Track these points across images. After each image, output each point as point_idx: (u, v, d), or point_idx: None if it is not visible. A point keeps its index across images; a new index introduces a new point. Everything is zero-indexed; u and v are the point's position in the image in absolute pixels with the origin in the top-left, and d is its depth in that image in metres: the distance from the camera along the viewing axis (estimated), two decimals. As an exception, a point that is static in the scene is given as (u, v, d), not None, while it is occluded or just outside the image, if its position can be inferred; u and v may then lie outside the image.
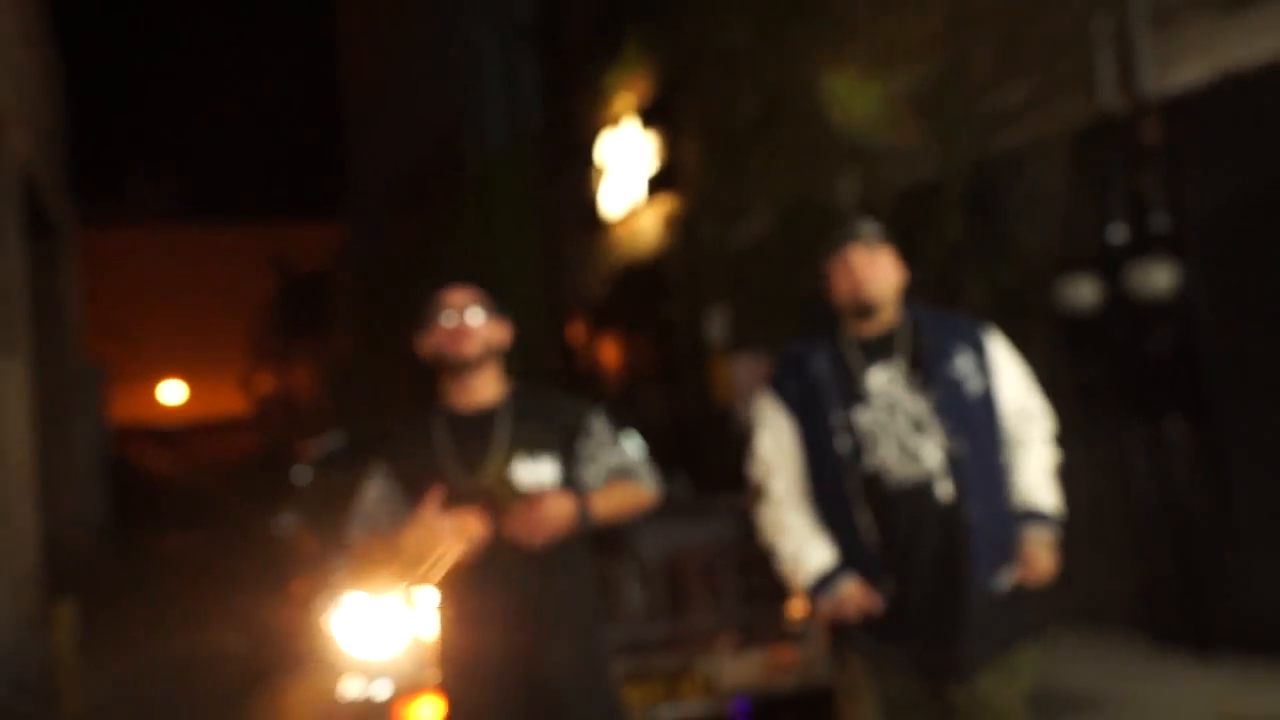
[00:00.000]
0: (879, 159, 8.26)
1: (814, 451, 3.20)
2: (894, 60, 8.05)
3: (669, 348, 11.51)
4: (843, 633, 3.20)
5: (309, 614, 4.55)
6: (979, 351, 3.20)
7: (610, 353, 13.28)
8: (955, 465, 3.07)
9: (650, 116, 11.75)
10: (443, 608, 3.03)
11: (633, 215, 12.22)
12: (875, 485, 3.10)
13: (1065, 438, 6.61)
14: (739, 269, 10.13)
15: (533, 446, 3.00)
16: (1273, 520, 5.78)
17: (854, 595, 3.10)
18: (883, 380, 3.16)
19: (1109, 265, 6.32)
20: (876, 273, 3.15)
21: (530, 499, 2.88)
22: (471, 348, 3.02)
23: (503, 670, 2.91)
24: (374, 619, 4.31)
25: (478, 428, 3.02)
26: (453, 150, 18.73)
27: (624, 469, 3.11)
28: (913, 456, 3.09)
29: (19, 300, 9.27)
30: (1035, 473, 3.20)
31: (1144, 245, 6.17)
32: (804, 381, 3.22)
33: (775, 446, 3.27)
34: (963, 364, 3.16)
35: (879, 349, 3.18)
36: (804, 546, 3.18)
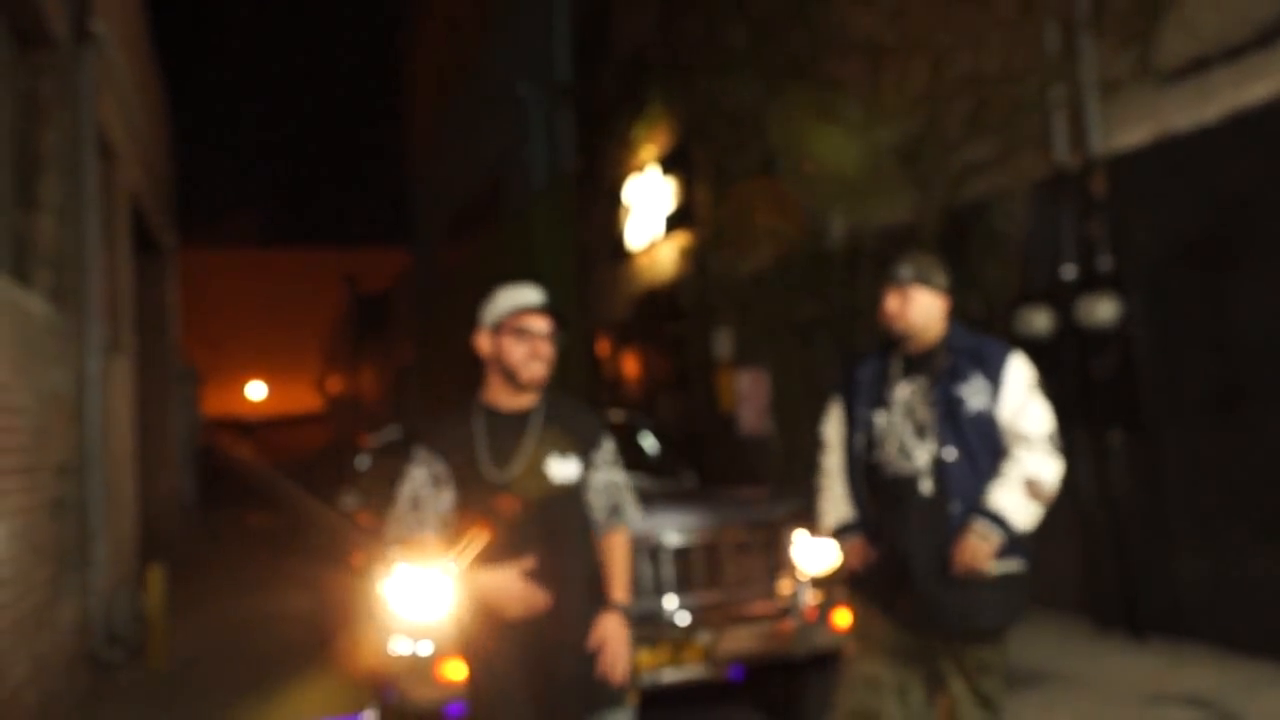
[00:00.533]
0: (864, 202, 8.28)
1: (849, 435, 3.46)
2: (879, 118, 8.09)
3: (682, 361, 11.53)
4: (855, 584, 3.48)
5: (365, 581, 4.55)
6: (994, 375, 3.25)
7: (632, 364, 13.30)
8: (940, 468, 3.21)
9: (669, 164, 11.79)
10: (469, 579, 2.91)
11: (653, 248, 12.25)
12: (876, 473, 3.34)
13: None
14: (743, 295, 10.17)
15: (561, 447, 2.93)
16: (1200, 519, 5.76)
17: (855, 548, 3.40)
18: (907, 391, 3.33)
19: (1061, 299, 6.32)
20: (906, 310, 3.30)
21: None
22: (545, 374, 2.93)
23: (524, 629, 2.85)
24: (420, 587, 4.32)
25: (513, 427, 2.93)
26: (500, 189, 18.82)
27: (617, 487, 3.05)
28: (907, 455, 3.27)
29: (128, 307, 9.36)
30: (1004, 481, 3.23)
31: (1091, 282, 6.16)
32: (854, 379, 3.46)
33: (832, 431, 3.56)
34: (971, 385, 3.24)
35: (916, 364, 3.35)
36: (831, 506, 3.51)
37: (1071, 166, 6.39)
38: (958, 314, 6.85)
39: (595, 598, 2.95)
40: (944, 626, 3.21)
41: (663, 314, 11.94)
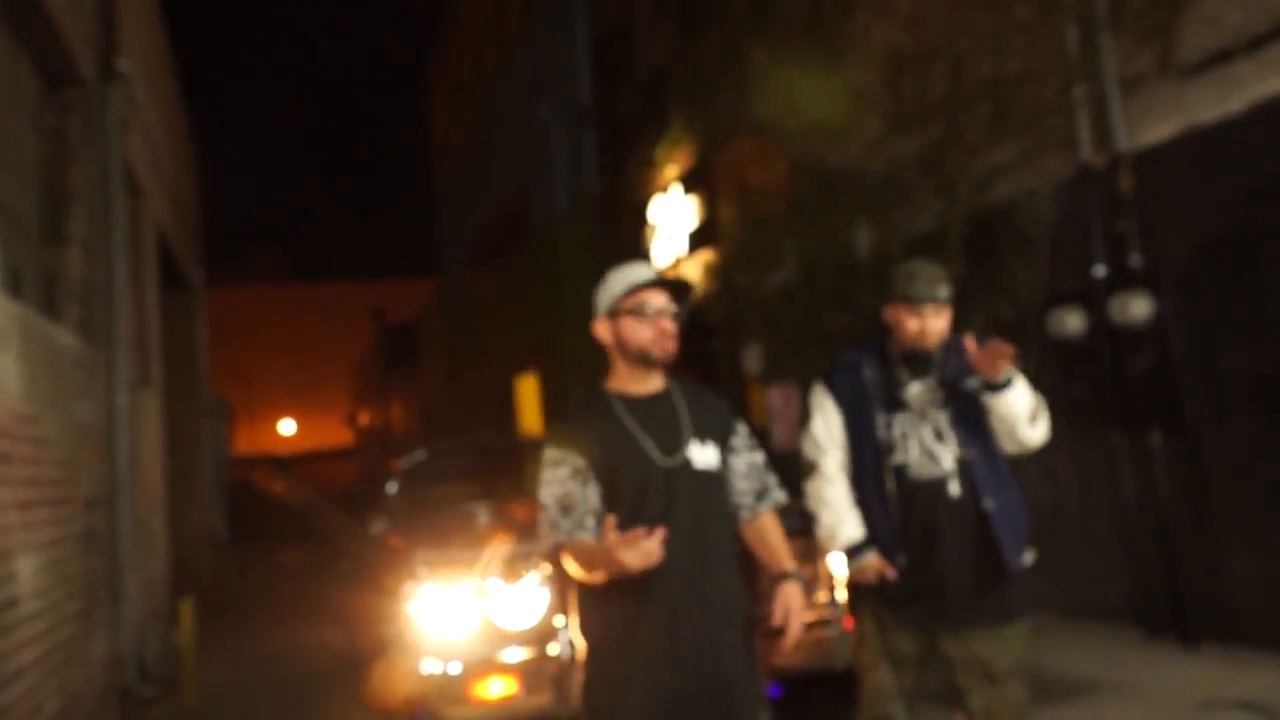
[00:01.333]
0: (889, 211, 8.29)
1: (856, 442, 3.37)
2: (902, 127, 8.10)
3: (712, 378, 11.53)
4: (858, 594, 3.40)
5: (395, 603, 4.58)
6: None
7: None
8: (965, 469, 3.22)
9: (692, 181, 11.84)
10: (602, 597, 2.62)
11: (678, 266, 12.29)
12: (901, 477, 3.27)
13: (1058, 452, 6.58)
14: (770, 310, 10.17)
15: (703, 432, 2.76)
16: (1247, 519, 5.68)
17: (874, 565, 3.27)
18: (918, 392, 3.31)
19: (1093, 298, 6.27)
20: (940, 328, 3.27)
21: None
22: (675, 349, 2.75)
23: (680, 658, 2.58)
24: (449, 607, 4.33)
25: (659, 412, 2.75)
26: (524, 213, 18.96)
27: (761, 469, 2.88)
28: (932, 458, 3.24)
29: (156, 341, 9.50)
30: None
31: (1123, 280, 6.12)
32: (856, 383, 3.37)
33: (826, 431, 3.43)
34: (974, 383, 3.25)
35: (919, 365, 3.33)
36: (840, 520, 3.35)
37: (1097, 164, 6.37)
38: (988, 318, 6.86)
39: (746, 619, 2.75)
40: (982, 623, 3.21)
41: (691, 331, 11.94)
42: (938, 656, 3.27)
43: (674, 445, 2.69)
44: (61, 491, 5.31)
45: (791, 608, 2.67)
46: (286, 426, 56.91)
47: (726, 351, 11.03)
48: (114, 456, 6.69)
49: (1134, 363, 6.06)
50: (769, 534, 2.84)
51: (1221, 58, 5.57)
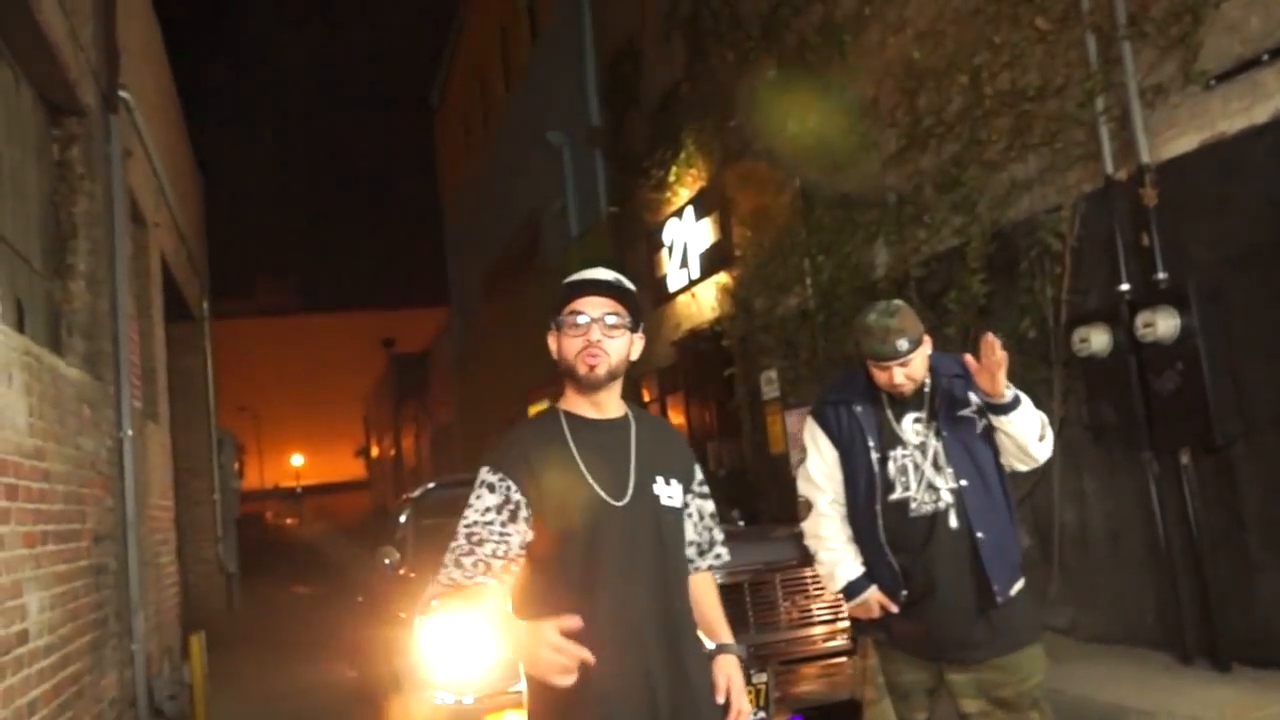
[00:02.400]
0: (907, 230, 8.27)
1: (852, 479, 3.37)
2: (919, 142, 8.09)
3: (730, 404, 11.51)
4: (860, 628, 3.45)
5: (407, 635, 4.57)
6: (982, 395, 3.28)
7: (678, 408, 13.30)
8: (961, 499, 3.23)
9: (705, 203, 11.85)
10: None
11: (693, 290, 12.29)
12: (900, 511, 3.27)
13: (1085, 473, 6.52)
14: (787, 335, 10.15)
15: (667, 467, 2.52)
16: (1279, 541, 5.60)
17: (876, 602, 3.31)
18: (913, 426, 3.32)
19: (1118, 315, 6.23)
20: (911, 376, 3.25)
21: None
22: (602, 367, 2.44)
23: (645, 688, 2.35)
24: (462, 639, 4.32)
25: (608, 439, 2.48)
26: (535, 238, 19.03)
27: (713, 519, 2.71)
28: (933, 491, 3.25)
29: (162, 374, 9.55)
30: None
31: (1149, 295, 6.07)
32: (849, 417, 3.37)
33: (820, 468, 3.44)
34: (963, 400, 3.30)
35: (912, 400, 3.33)
36: (838, 558, 3.39)
37: (1120, 178, 6.34)
38: (1011, 337, 6.82)
39: (705, 650, 2.58)
40: (986, 653, 3.22)
41: (707, 357, 11.94)
42: (946, 688, 3.29)
43: (624, 481, 2.43)
44: (69, 526, 5.33)
45: (734, 683, 2.51)
46: (300, 460, 57.00)
47: (743, 377, 11.00)
48: (121, 491, 6.73)
49: (1161, 381, 6.01)
50: (706, 598, 2.65)
51: (1245, 67, 5.55)
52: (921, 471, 3.25)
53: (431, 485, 6.98)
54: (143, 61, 9.17)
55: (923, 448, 3.27)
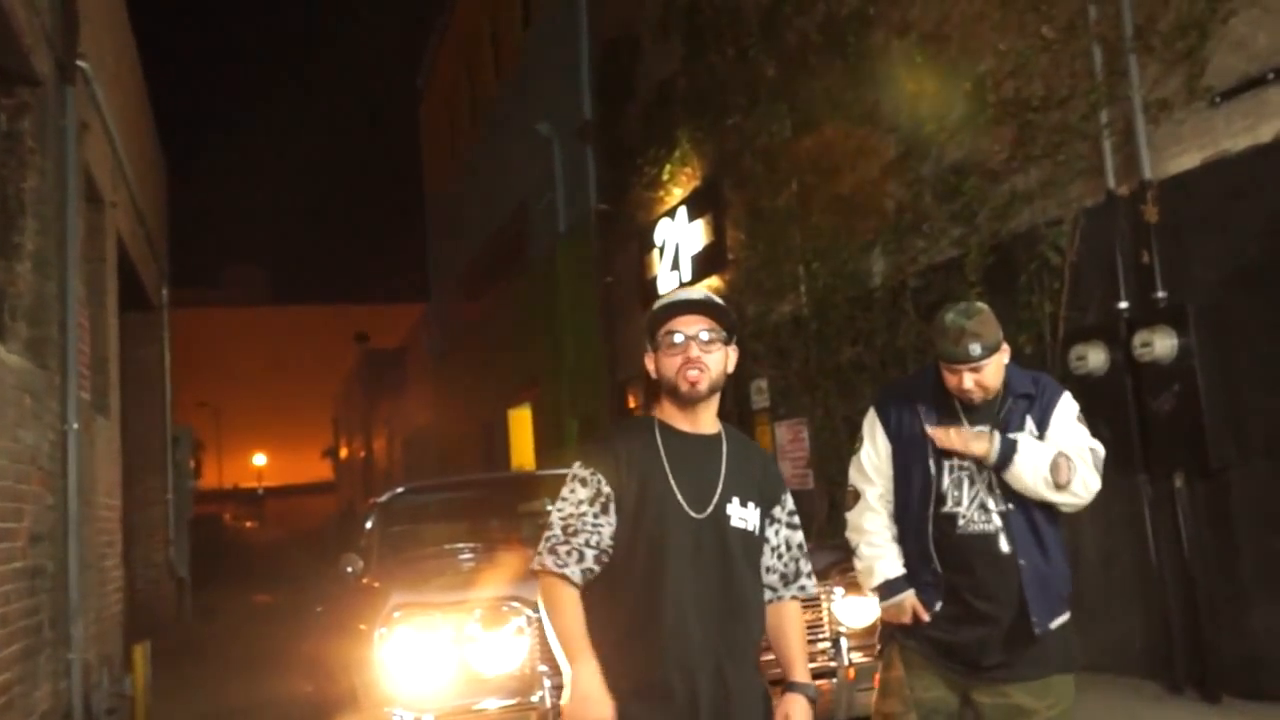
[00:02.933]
0: (905, 238, 8.38)
1: (905, 480, 3.39)
2: (918, 149, 8.21)
3: (718, 413, 11.57)
4: (891, 634, 3.44)
5: (367, 648, 4.58)
6: (1043, 417, 3.31)
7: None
8: (1010, 523, 3.26)
9: (699, 204, 11.95)
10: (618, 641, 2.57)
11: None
12: (950, 525, 3.30)
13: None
14: (779, 343, 10.24)
15: (746, 490, 2.71)
16: (1274, 567, 5.73)
17: (911, 606, 3.33)
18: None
19: (1116, 333, 6.35)
20: (981, 382, 3.24)
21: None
22: (704, 381, 2.67)
23: (685, 693, 2.54)
24: (424, 653, 4.35)
25: (698, 454, 2.71)
26: (521, 233, 19.08)
27: (800, 550, 2.85)
28: (984, 510, 3.28)
29: (115, 365, 9.55)
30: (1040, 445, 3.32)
31: (1148, 314, 6.20)
32: (911, 417, 3.38)
33: (873, 461, 3.47)
34: (1026, 431, 3.28)
35: (981, 411, 3.32)
36: (880, 553, 3.41)
37: (1122, 193, 6.47)
38: (1010, 353, 6.93)
39: (762, 676, 2.72)
40: (1019, 675, 3.26)
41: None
42: (972, 709, 3.32)
43: (707, 495, 2.65)
44: (2, 525, 5.31)
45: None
46: (259, 458, 56.85)
47: (732, 385, 11.08)
48: (64, 488, 6.67)
49: (1158, 402, 6.14)
50: (790, 630, 2.79)
51: (1251, 85, 5.68)
52: (976, 488, 3.28)
53: (400, 490, 6.99)
54: (104, 30, 9.15)
55: (979, 465, 3.28)
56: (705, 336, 2.66)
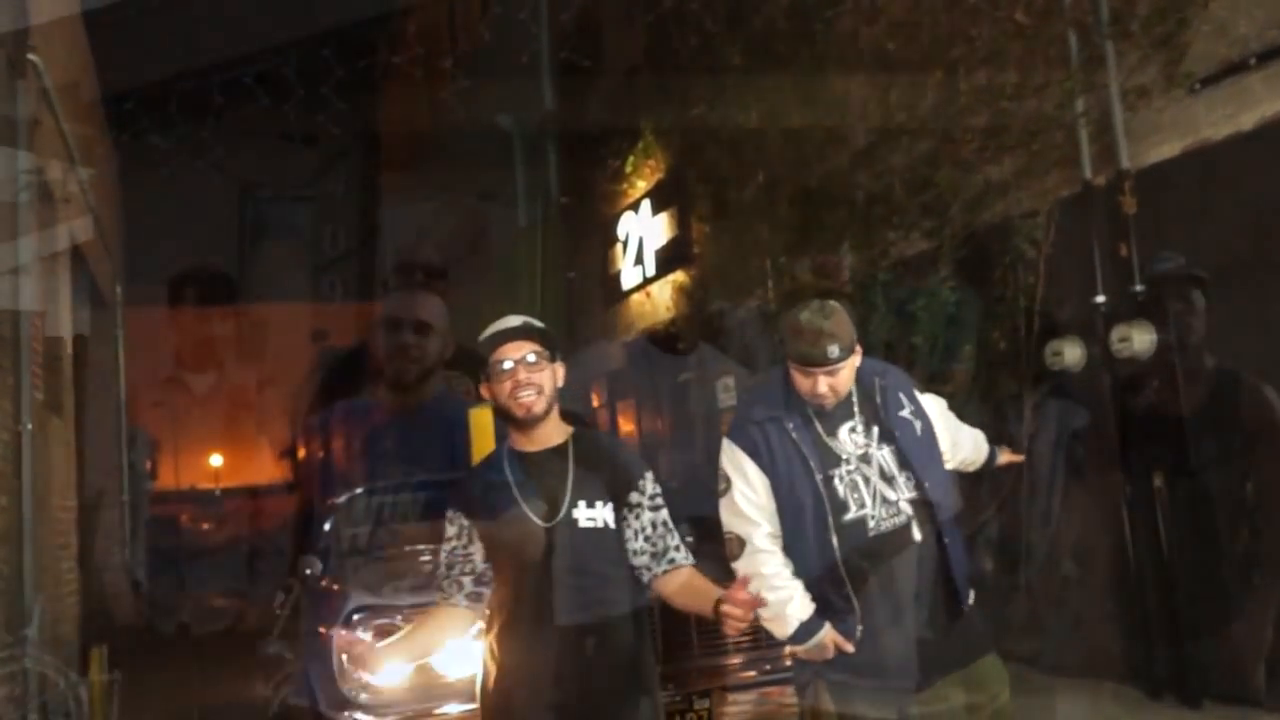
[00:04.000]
0: (875, 231, 8.30)
1: (793, 505, 3.17)
2: (889, 139, 8.13)
3: (683, 411, 11.50)
4: (816, 671, 3.22)
5: (325, 651, 4.51)
6: (911, 394, 3.31)
7: (628, 414, 13.28)
8: (922, 507, 3.16)
9: (664, 196, 11.85)
10: (499, 659, 2.93)
11: (648, 289, 12.27)
12: (855, 534, 3.13)
13: (1054, 495, 6.57)
14: (746, 340, 10.16)
15: (592, 491, 2.92)
16: (1254, 572, 5.69)
17: (831, 642, 3.15)
18: (850, 437, 3.21)
19: (1093, 327, 6.30)
20: (835, 386, 3.16)
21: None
22: (537, 401, 2.93)
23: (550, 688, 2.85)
24: (381, 657, 4.26)
25: (547, 468, 2.94)
26: (481, 228, 18.92)
27: (664, 529, 2.99)
28: (889, 504, 3.15)
29: (67, 363, 9.39)
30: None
31: (1126, 308, 6.14)
32: (782, 438, 3.20)
33: (752, 498, 3.22)
34: (906, 409, 3.26)
35: (841, 410, 3.22)
36: (787, 595, 3.16)
37: (1098, 183, 6.41)
38: (981, 347, 6.89)
39: (641, 687, 2.93)
40: (952, 666, 3.19)
41: (661, 360, 11.93)
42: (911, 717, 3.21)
43: (557, 503, 2.88)
44: (-47, 527, 5.20)
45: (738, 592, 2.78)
46: (216, 459, 56.24)
47: (698, 383, 11.00)
48: (18, 489, 6.62)
49: (1136, 398, 6.09)
50: (690, 585, 2.95)
51: (1232, 71, 5.62)
52: (873, 485, 3.14)
53: (359, 491, 6.87)
54: (57, 22, 8.99)
55: (866, 459, 3.17)
56: (532, 359, 2.92)
